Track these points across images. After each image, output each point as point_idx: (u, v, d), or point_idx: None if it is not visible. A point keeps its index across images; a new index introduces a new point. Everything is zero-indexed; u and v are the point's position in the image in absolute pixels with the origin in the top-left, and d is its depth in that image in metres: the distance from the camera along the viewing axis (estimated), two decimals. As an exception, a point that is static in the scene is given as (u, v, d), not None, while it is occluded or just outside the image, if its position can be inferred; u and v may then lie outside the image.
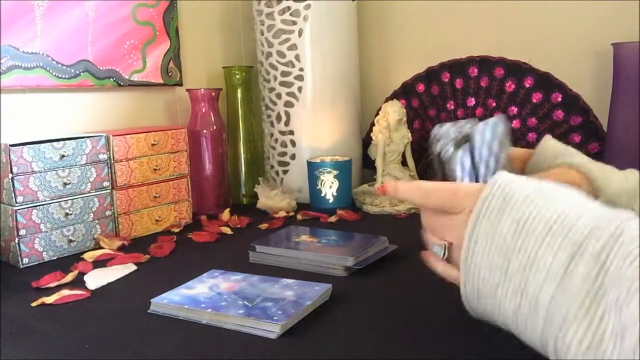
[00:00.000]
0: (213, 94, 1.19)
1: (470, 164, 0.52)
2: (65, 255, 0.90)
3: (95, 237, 0.94)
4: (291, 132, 1.24)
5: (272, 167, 1.29)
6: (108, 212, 0.96)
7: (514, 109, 1.20)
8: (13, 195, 0.84)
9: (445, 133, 0.56)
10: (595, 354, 0.30)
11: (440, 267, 0.45)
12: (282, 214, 1.12)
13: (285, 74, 1.21)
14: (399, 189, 0.48)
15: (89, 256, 0.87)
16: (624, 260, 0.30)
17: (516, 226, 0.36)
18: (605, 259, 0.31)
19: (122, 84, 1.15)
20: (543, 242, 0.34)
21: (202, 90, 1.18)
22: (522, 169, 0.62)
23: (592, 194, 0.54)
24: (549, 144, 0.61)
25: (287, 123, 1.23)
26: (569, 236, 0.33)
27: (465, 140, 0.53)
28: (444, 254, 0.44)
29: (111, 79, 1.13)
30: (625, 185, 0.55)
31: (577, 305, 0.31)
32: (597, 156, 1.11)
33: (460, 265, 0.39)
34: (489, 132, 0.52)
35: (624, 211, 0.34)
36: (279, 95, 1.23)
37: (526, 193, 0.37)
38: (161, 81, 1.23)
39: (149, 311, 0.65)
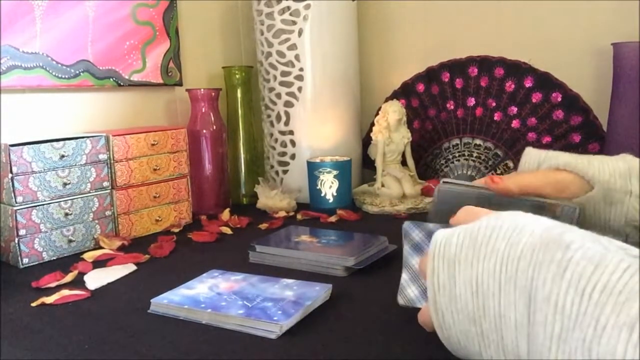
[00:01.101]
0: (213, 94, 1.19)
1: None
2: (65, 255, 0.90)
3: (95, 237, 0.94)
4: (291, 132, 1.24)
5: (272, 167, 1.29)
6: (108, 212, 0.96)
7: (514, 109, 1.20)
8: (13, 195, 0.84)
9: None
10: None
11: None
12: (282, 214, 1.12)
13: (285, 74, 1.21)
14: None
15: (89, 256, 0.87)
16: (578, 298, 0.29)
17: (470, 291, 0.35)
18: (555, 301, 0.30)
19: (122, 84, 1.15)
20: (500, 298, 0.34)
21: (202, 90, 1.18)
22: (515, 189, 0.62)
23: (585, 186, 0.55)
24: (531, 153, 0.61)
25: (287, 123, 1.23)
26: (517, 285, 0.33)
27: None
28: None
29: (111, 79, 1.13)
30: (617, 169, 0.55)
31: (546, 355, 0.30)
32: (597, 156, 1.11)
33: (438, 335, 0.40)
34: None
35: (567, 232, 0.33)
36: (278, 95, 1.23)
37: (465, 251, 0.37)
38: (161, 81, 1.23)
39: (149, 311, 0.65)
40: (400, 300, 0.53)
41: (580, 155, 0.58)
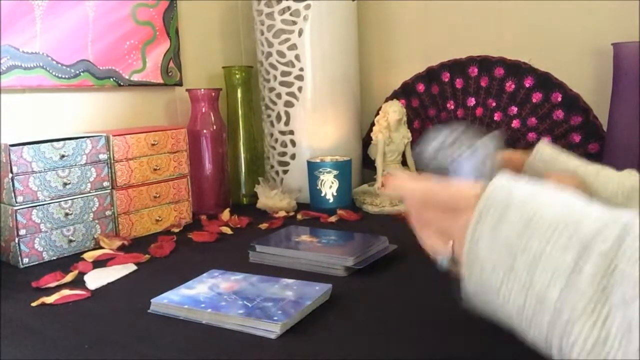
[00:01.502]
0: (213, 94, 1.19)
1: (470, 173, 0.52)
2: (65, 255, 0.90)
3: (95, 237, 0.94)
4: (291, 132, 1.24)
5: (272, 167, 1.29)
6: (108, 212, 0.96)
7: (514, 109, 1.20)
8: (13, 195, 0.84)
9: (440, 142, 0.55)
10: (600, 353, 0.30)
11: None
12: (282, 214, 1.12)
13: (285, 73, 1.21)
14: (400, 187, 0.47)
15: (89, 256, 0.87)
16: (629, 260, 0.30)
17: (521, 224, 0.35)
18: (612, 258, 0.31)
19: (122, 84, 1.15)
20: (549, 241, 0.34)
21: (202, 90, 1.18)
22: (518, 171, 0.62)
23: (587, 195, 0.55)
24: (544, 150, 0.62)
25: (287, 123, 1.23)
26: (575, 235, 0.33)
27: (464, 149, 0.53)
28: (447, 265, 0.43)
29: (111, 79, 1.13)
30: (622, 186, 0.55)
31: (584, 304, 0.31)
32: (597, 156, 1.11)
33: (463, 264, 0.39)
34: (483, 149, 0.52)
35: (627, 210, 0.34)
36: (279, 95, 1.23)
37: (528, 192, 0.37)
38: (161, 81, 1.23)
39: (149, 311, 0.65)
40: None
41: (590, 164, 0.58)
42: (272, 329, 0.57)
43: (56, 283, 0.75)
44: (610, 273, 0.30)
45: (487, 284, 0.37)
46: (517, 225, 0.35)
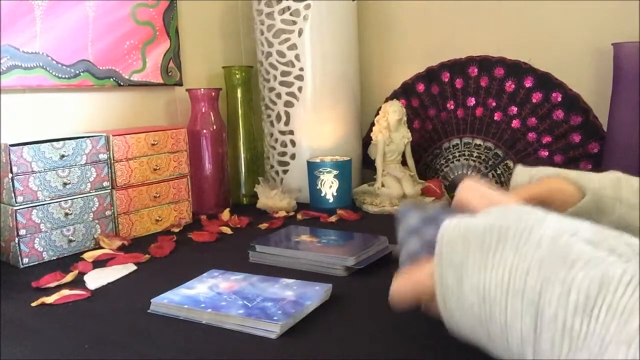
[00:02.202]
0: (213, 93, 1.19)
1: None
2: (65, 255, 0.90)
3: (95, 237, 0.94)
4: (291, 132, 1.24)
5: (272, 167, 1.29)
6: (108, 212, 0.96)
7: (514, 109, 1.20)
8: (13, 195, 0.84)
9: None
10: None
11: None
12: (282, 213, 1.12)
13: (285, 73, 1.21)
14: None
15: (89, 256, 0.87)
16: (586, 319, 0.29)
17: (477, 297, 0.36)
18: (563, 321, 0.30)
19: (122, 83, 1.15)
20: (507, 308, 0.34)
21: (202, 90, 1.18)
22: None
23: (577, 195, 0.55)
24: (521, 172, 0.61)
25: (287, 123, 1.23)
26: (524, 298, 0.33)
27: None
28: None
29: (111, 79, 1.13)
30: (606, 178, 0.55)
31: None
32: (597, 156, 1.11)
33: (446, 327, 0.40)
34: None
35: (574, 241, 0.33)
36: (279, 95, 1.23)
37: (472, 257, 0.37)
38: (161, 81, 1.23)
39: (149, 311, 0.65)
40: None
41: (570, 170, 0.59)
42: (272, 329, 0.57)
43: (56, 283, 0.75)
44: (569, 338, 0.30)
45: (472, 337, 0.38)
46: (476, 298, 0.36)
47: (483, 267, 0.36)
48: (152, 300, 0.65)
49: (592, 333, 0.29)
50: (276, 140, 1.26)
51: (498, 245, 0.36)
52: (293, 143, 1.24)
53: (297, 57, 1.19)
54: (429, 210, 0.51)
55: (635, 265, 0.30)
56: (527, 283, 0.33)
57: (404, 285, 0.43)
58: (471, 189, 0.46)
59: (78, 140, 0.92)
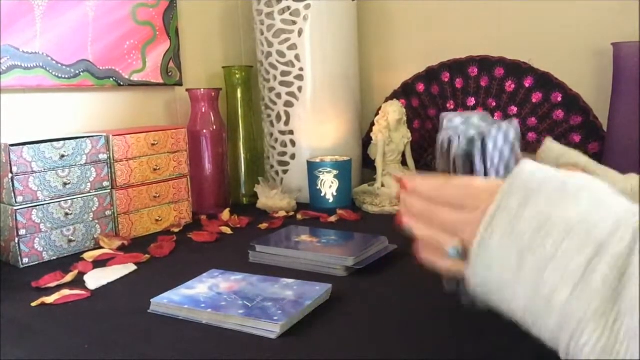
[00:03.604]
0: (213, 93, 1.19)
1: (481, 167, 0.51)
2: (65, 255, 0.90)
3: (95, 237, 0.94)
4: (291, 132, 1.24)
5: (272, 167, 1.29)
6: (108, 212, 0.96)
7: (514, 109, 1.20)
8: (13, 195, 0.84)
9: (454, 126, 0.54)
10: (609, 356, 0.30)
11: (446, 263, 0.43)
12: (282, 213, 1.12)
13: (285, 73, 1.21)
14: (418, 185, 0.45)
15: (89, 256, 0.87)
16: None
17: (537, 222, 0.35)
18: (625, 259, 0.30)
19: (122, 83, 1.15)
20: (564, 241, 0.33)
21: (202, 90, 1.18)
22: None
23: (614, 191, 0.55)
24: (552, 147, 0.61)
25: (287, 123, 1.23)
26: (591, 236, 0.33)
27: (476, 138, 0.51)
28: (459, 255, 0.41)
29: (111, 79, 1.13)
30: (628, 185, 0.55)
31: (594, 307, 0.30)
32: (597, 156, 1.11)
33: (471, 258, 0.38)
34: (501, 137, 0.51)
35: None
36: (279, 95, 1.23)
37: (550, 189, 0.36)
38: (161, 81, 1.23)
39: (149, 311, 0.65)
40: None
41: (596, 163, 0.58)
42: (272, 329, 0.57)
43: (56, 283, 0.75)
44: (622, 275, 0.30)
45: (494, 281, 0.37)
46: (534, 223, 0.35)
47: (557, 199, 0.35)
48: (152, 300, 0.65)
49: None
50: (276, 140, 1.26)
51: (579, 193, 0.36)
52: (293, 143, 1.24)
53: (297, 57, 1.19)
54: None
55: None
56: (598, 225, 0.33)
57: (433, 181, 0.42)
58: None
59: (78, 140, 0.92)
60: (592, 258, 0.32)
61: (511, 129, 0.51)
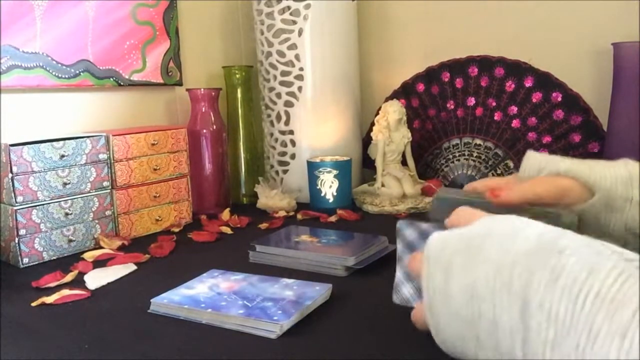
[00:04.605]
0: (213, 93, 1.19)
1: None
2: (65, 255, 0.90)
3: (95, 237, 0.94)
4: (291, 132, 1.24)
5: (272, 166, 1.29)
6: (108, 212, 0.96)
7: (514, 109, 1.20)
8: (13, 195, 0.84)
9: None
10: None
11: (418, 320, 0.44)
12: (282, 213, 1.12)
13: (285, 73, 1.21)
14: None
15: (89, 256, 0.87)
16: (571, 305, 0.29)
17: (465, 298, 0.36)
18: (549, 308, 0.30)
19: (122, 83, 1.15)
20: (494, 305, 0.34)
21: (202, 90, 1.18)
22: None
23: (587, 193, 0.54)
24: (532, 157, 0.60)
25: (287, 123, 1.23)
26: (511, 291, 0.33)
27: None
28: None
29: (111, 79, 1.13)
30: (619, 176, 0.54)
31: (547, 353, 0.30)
32: (597, 156, 1.11)
33: (433, 336, 0.40)
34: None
35: (561, 236, 0.33)
36: (279, 95, 1.23)
37: (459, 259, 0.37)
38: (161, 81, 1.23)
39: (149, 311, 0.65)
40: (395, 299, 0.53)
41: (582, 161, 0.58)
42: (272, 329, 0.57)
43: (56, 283, 0.75)
44: (554, 323, 0.30)
45: (464, 352, 0.38)
46: (463, 298, 0.36)
47: (469, 266, 0.36)
48: (152, 300, 0.65)
49: (578, 320, 0.28)
50: (276, 140, 1.26)
51: (484, 244, 0.36)
52: (293, 143, 1.24)
53: (297, 57, 1.19)
54: (424, 226, 0.52)
55: (627, 264, 0.30)
56: (513, 275, 0.33)
57: (419, 313, 0.43)
58: (464, 212, 0.46)
59: (78, 140, 0.92)
60: (521, 312, 0.32)
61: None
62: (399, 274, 0.52)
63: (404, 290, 0.52)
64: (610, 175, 0.54)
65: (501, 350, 0.34)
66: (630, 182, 0.54)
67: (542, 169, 0.58)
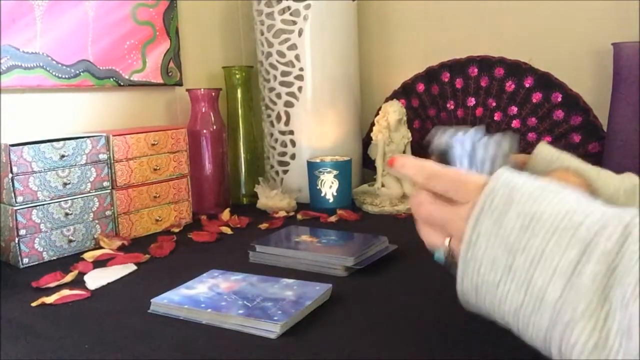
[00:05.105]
0: (213, 93, 1.19)
1: (480, 165, 0.51)
2: (65, 255, 0.90)
3: (95, 237, 0.94)
4: (291, 132, 1.24)
5: (272, 167, 1.29)
6: (108, 212, 0.96)
7: (514, 109, 1.20)
8: (13, 195, 0.84)
9: (447, 140, 0.54)
10: (600, 354, 0.29)
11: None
12: (282, 214, 1.12)
13: (285, 73, 1.21)
14: (405, 165, 0.45)
15: (89, 256, 0.87)
16: (631, 259, 0.30)
17: (522, 221, 0.35)
18: (614, 257, 0.31)
19: (122, 84, 1.15)
20: (551, 239, 0.33)
21: (202, 90, 1.18)
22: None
23: (593, 195, 0.54)
24: (545, 150, 0.61)
25: (287, 123, 1.23)
26: (577, 233, 0.33)
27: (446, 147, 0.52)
28: (445, 259, 0.41)
29: (111, 79, 1.13)
30: (623, 186, 0.55)
31: (585, 304, 0.31)
32: (597, 156, 1.11)
33: (459, 260, 0.38)
34: (492, 147, 0.52)
35: (630, 209, 0.34)
36: (279, 95, 1.23)
37: (532, 188, 0.36)
38: (161, 81, 1.23)
39: (149, 311, 0.65)
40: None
41: (591, 165, 0.58)
42: (272, 329, 0.57)
43: (56, 283, 0.75)
44: (611, 272, 0.30)
45: (484, 283, 0.36)
46: (519, 222, 0.35)
47: (542, 197, 0.36)
48: (152, 300, 0.65)
49: (630, 273, 0.29)
50: (276, 140, 1.26)
51: (564, 188, 0.36)
52: (293, 143, 1.24)
53: (297, 57, 1.20)
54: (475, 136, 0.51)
55: None
56: (584, 223, 0.33)
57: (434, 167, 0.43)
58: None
59: (78, 140, 0.92)
60: (580, 257, 0.32)
61: (503, 140, 0.52)
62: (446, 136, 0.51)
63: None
64: (614, 184, 0.55)
65: (532, 286, 0.33)
66: (633, 194, 0.54)
67: (553, 162, 0.58)
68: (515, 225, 0.35)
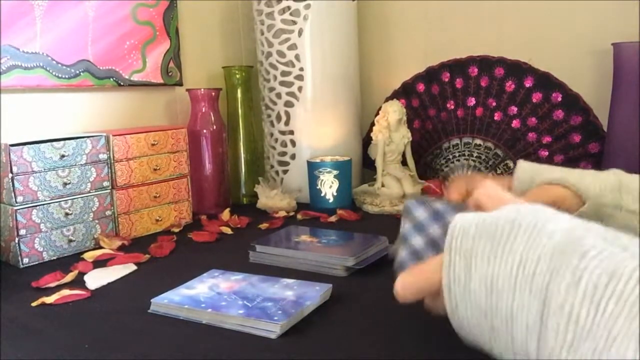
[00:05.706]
0: (213, 93, 1.19)
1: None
2: (65, 255, 0.90)
3: (95, 237, 0.94)
4: (291, 132, 1.24)
5: (272, 167, 1.29)
6: (108, 212, 0.96)
7: (514, 109, 1.20)
8: (13, 195, 0.84)
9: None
10: None
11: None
12: (282, 214, 1.12)
13: (285, 73, 1.21)
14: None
15: (89, 256, 0.87)
16: (592, 309, 0.29)
17: (485, 288, 0.35)
18: (570, 310, 0.30)
19: (122, 83, 1.15)
20: (514, 299, 0.34)
21: (202, 90, 1.18)
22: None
23: (578, 202, 0.55)
24: (524, 166, 0.61)
25: (287, 123, 1.23)
26: (532, 288, 0.33)
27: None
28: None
29: (111, 79, 1.13)
30: (607, 183, 0.55)
31: (555, 357, 0.31)
32: (597, 156, 1.11)
33: (450, 321, 0.40)
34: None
35: (586, 235, 0.33)
36: (279, 95, 1.23)
37: (483, 245, 0.37)
38: (161, 81, 1.23)
39: (149, 311, 0.65)
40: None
41: (572, 170, 0.58)
42: (272, 329, 0.57)
43: (56, 283, 0.75)
44: (574, 325, 0.30)
45: (477, 341, 0.38)
46: (483, 290, 0.36)
47: (492, 257, 0.36)
48: (152, 300, 0.65)
49: (598, 324, 0.28)
50: (276, 140, 1.26)
51: (509, 235, 0.36)
52: (293, 143, 1.24)
53: (297, 57, 1.20)
54: (437, 206, 0.50)
55: None
56: (536, 272, 0.33)
57: (410, 279, 0.43)
58: (487, 189, 0.46)
59: (78, 140, 0.92)
60: (541, 311, 0.32)
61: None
62: (403, 253, 0.50)
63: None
64: (599, 183, 0.55)
65: (515, 345, 0.34)
66: (619, 189, 0.54)
67: (535, 177, 0.58)
68: (481, 292, 0.36)
